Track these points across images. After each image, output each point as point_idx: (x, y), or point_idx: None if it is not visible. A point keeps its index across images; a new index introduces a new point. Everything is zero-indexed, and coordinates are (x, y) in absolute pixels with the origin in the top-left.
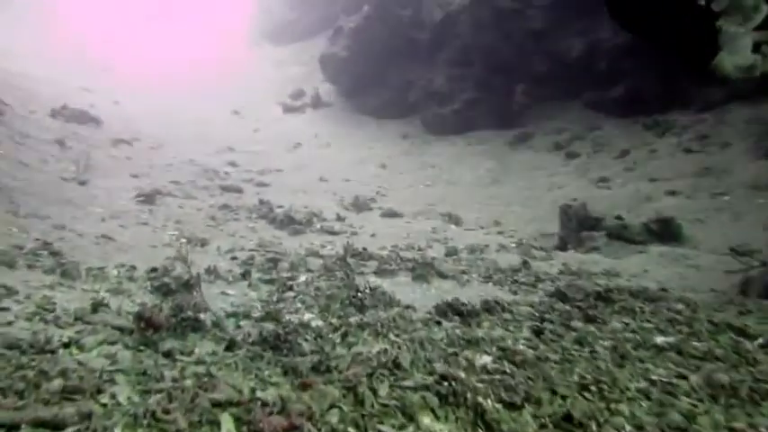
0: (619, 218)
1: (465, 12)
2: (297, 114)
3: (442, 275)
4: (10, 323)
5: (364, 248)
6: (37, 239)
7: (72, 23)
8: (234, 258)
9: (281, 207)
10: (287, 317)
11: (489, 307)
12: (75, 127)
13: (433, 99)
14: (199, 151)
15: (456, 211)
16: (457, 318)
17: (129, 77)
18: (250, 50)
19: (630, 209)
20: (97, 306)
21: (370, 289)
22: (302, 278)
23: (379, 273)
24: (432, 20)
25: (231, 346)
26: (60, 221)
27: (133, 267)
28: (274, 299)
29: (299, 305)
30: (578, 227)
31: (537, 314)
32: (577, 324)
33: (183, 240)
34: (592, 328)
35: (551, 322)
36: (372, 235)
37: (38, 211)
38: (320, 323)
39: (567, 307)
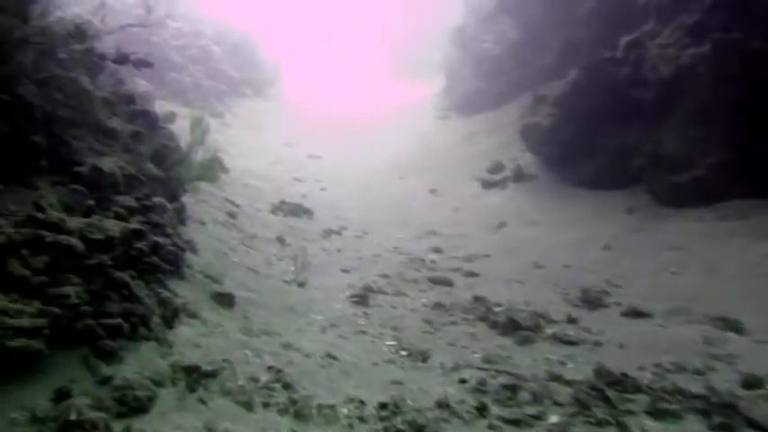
0: None
1: (703, 63)
2: (497, 190)
3: (758, 427)
4: None
5: (623, 374)
6: (270, 367)
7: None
8: (462, 381)
9: (499, 305)
10: None
11: None
12: (292, 221)
13: (662, 165)
14: (401, 237)
15: (730, 313)
16: None
17: (332, 163)
18: (437, 122)
19: None
20: None
21: None
22: (553, 418)
23: (654, 414)
24: (657, 76)
25: None
26: (287, 338)
27: (362, 403)
28: None
29: None
30: None
31: None
32: None
33: (404, 353)
34: None
35: None
36: (621, 346)
37: (268, 325)
38: None
39: None
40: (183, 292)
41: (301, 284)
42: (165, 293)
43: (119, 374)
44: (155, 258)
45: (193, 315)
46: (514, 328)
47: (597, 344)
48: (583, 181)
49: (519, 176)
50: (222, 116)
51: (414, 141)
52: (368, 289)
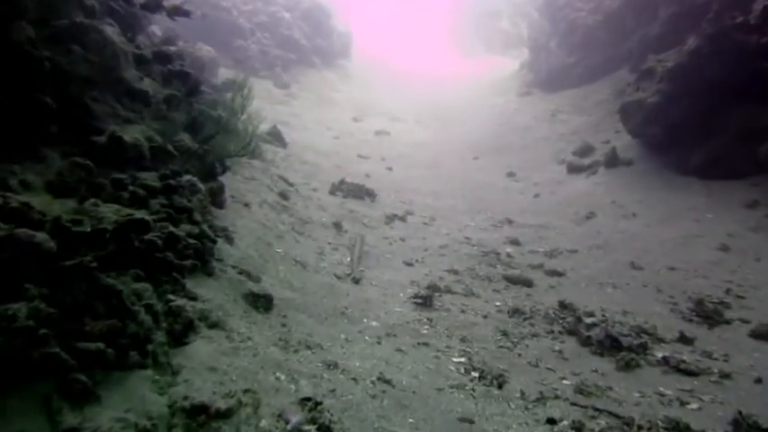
0: None
1: None
2: (585, 175)
3: None
4: None
5: None
6: (304, 400)
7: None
8: (551, 422)
9: (590, 315)
10: None
11: None
12: (351, 204)
13: None
14: (473, 225)
15: None
16: None
17: (400, 140)
18: (517, 99)
19: None
20: None
21: None
22: None
23: None
24: None
25: None
26: (333, 353)
27: None
28: None
29: None
30: None
31: None
32: None
33: (474, 375)
34: None
35: None
36: (758, 381)
37: (310, 336)
38: None
39: None
40: (208, 294)
41: (356, 281)
42: (177, 301)
43: (89, 424)
44: (168, 254)
45: (216, 325)
46: (613, 347)
47: (725, 376)
48: (693, 168)
49: (612, 161)
50: (288, 87)
51: (490, 119)
52: (433, 288)
